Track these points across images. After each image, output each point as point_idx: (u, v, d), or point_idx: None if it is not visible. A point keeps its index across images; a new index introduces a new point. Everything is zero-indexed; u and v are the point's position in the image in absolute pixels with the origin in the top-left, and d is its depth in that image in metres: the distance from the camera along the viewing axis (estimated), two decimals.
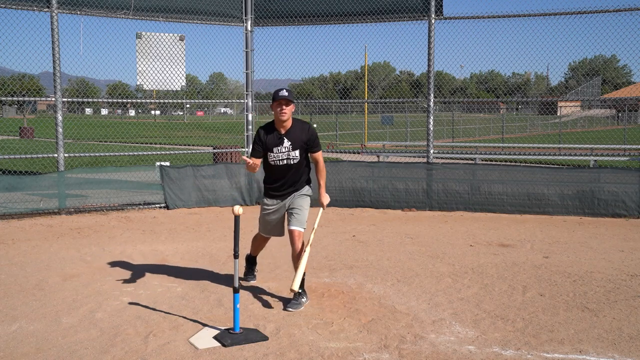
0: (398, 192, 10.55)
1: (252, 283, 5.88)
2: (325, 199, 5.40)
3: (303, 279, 5.13)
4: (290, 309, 5.05)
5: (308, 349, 4.25)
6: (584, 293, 5.58)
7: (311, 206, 5.49)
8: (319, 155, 5.36)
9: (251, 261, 5.96)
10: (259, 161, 5.27)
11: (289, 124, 5.22)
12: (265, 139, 5.23)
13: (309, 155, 5.37)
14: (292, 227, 5.27)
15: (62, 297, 5.48)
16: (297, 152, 5.23)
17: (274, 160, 5.26)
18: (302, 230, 5.29)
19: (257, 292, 5.64)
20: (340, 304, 5.27)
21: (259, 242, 5.84)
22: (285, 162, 5.25)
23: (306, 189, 5.43)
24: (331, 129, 34.29)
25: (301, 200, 5.34)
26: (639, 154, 20.07)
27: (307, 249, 5.15)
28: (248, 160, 5.14)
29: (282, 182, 5.34)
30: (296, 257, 5.21)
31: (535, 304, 5.24)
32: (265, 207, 5.47)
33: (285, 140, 5.21)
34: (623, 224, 9.18)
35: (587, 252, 7.26)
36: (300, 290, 5.11)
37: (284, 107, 5.09)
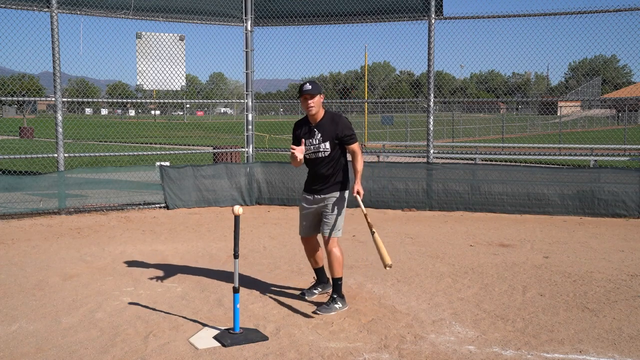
0: (398, 192, 10.55)
1: (312, 298, 5.44)
2: (359, 187, 5.13)
3: (340, 286, 5.13)
4: (319, 313, 4.97)
5: (308, 349, 4.25)
6: (584, 293, 5.58)
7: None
8: (355, 147, 5.19)
9: (316, 275, 5.61)
10: (299, 150, 5.11)
11: (319, 116, 5.16)
12: (299, 132, 5.22)
13: (346, 148, 5.22)
14: (322, 231, 5.22)
15: (62, 297, 5.48)
16: (327, 144, 5.10)
17: (306, 153, 5.18)
18: (330, 235, 5.15)
19: (257, 292, 5.64)
20: None
21: (306, 251, 5.53)
22: (315, 155, 5.15)
23: (338, 194, 5.21)
24: None
25: (332, 205, 5.18)
26: (639, 154, 20.06)
27: (375, 232, 5.07)
28: (293, 147, 5.10)
29: (312, 176, 5.24)
30: (329, 260, 5.15)
31: (535, 304, 5.24)
32: (301, 203, 5.37)
33: (316, 132, 5.13)
34: (623, 224, 9.18)
35: (587, 252, 7.26)
36: (335, 296, 5.11)
37: (309, 101, 5.06)
